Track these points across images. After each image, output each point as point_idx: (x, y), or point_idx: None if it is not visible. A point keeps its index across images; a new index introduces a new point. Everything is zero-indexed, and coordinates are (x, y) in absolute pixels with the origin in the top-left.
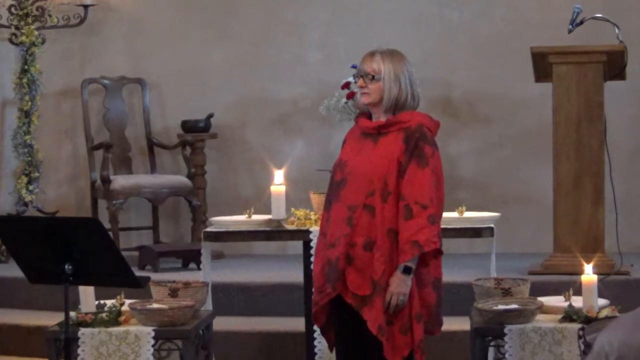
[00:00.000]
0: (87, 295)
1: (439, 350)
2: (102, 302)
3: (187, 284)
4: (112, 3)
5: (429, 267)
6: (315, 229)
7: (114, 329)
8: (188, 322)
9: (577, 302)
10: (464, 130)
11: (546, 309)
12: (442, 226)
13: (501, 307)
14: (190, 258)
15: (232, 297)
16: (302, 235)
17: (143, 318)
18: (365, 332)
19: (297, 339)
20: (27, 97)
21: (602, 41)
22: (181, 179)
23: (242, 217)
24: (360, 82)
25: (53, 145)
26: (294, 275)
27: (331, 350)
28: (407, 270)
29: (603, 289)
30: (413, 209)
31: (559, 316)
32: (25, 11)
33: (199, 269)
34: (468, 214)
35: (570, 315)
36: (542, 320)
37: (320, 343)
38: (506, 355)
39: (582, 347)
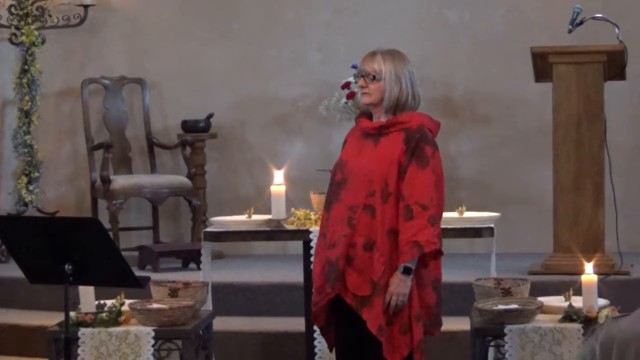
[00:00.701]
0: (87, 295)
1: (439, 350)
2: (102, 302)
3: (187, 284)
4: (112, 3)
5: (429, 268)
6: (315, 229)
7: (114, 329)
8: (188, 322)
9: (577, 302)
10: (464, 130)
11: (546, 309)
12: (443, 226)
13: (501, 307)
14: (190, 258)
15: (232, 297)
16: (302, 235)
17: (143, 318)
18: (365, 332)
19: (297, 339)
20: (27, 97)
21: (602, 41)
22: (181, 179)
23: (242, 217)
24: (361, 82)
25: (53, 145)
26: (294, 275)
27: (331, 350)
28: (407, 271)
29: (603, 289)
30: (413, 209)
31: (559, 316)
32: (25, 11)
33: (199, 269)
34: (468, 214)
35: (570, 315)
36: (542, 320)
37: (320, 343)
38: (506, 355)
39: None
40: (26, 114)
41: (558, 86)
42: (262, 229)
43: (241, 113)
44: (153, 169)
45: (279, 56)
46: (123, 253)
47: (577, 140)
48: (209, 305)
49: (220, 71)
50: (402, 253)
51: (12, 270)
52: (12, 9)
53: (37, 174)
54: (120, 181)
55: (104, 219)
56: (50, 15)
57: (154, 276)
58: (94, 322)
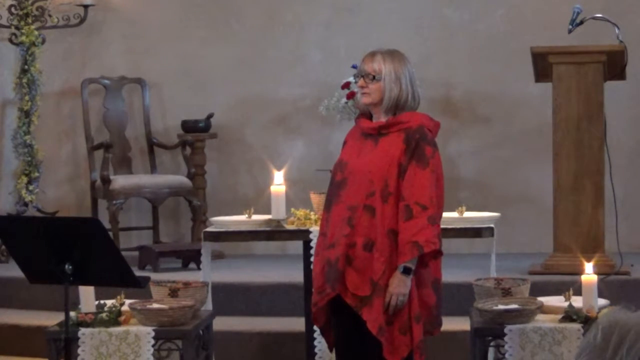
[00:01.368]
0: (87, 295)
1: (439, 350)
2: (102, 302)
3: (187, 284)
4: (112, 3)
5: (429, 268)
6: (315, 229)
7: (114, 329)
8: (188, 322)
9: (577, 302)
10: (464, 130)
11: (546, 309)
12: (442, 226)
13: (501, 307)
14: (190, 258)
15: (232, 297)
16: (302, 235)
17: (143, 318)
18: (365, 332)
19: (297, 339)
20: (27, 97)
21: (602, 41)
22: (181, 179)
23: (242, 217)
24: (361, 82)
25: (53, 145)
26: (294, 275)
27: (331, 350)
28: (406, 271)
29: (603, 289)
30: (413, 209)
31: (559, 316)
32: (25, 11)
33: (199, 269)
34: (468, 214)
35: (570, 315)
36: (542, 320)
37: (320, 343)
38: (506, 355)
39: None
40: (26, 114)
41: (558, 86)
42: (262, 229)
43: (241, 113)
44: (153, 169)
45: (279, 56)
46: (123, 253)
47: (577, 140)
48: (209, 305)
49: (220, 71)
50: (401, 253)
51: (12, 270)
52: (12, 9)
53: (37, 174)
54: (120, 181)
55: (104, 219)
56: (50, 15)
57: (154, 276)
58: (94, 322)
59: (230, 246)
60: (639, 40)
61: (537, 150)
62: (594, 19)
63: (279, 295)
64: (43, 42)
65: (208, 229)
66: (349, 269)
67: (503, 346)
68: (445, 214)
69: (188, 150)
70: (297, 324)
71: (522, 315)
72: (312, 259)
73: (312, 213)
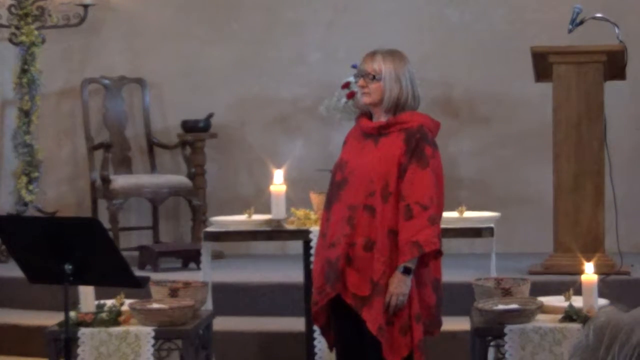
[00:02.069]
0: (87, 295)
1: (439, 350)
2: (102, 302)
3: (187, 284)
4: (112, 3)
5: (429, 268)
6: (315, 229)
7: (114, 329)
8: (188, 322)
9: (577, 302)
10: (464, 130)
11: (546, 309)
12: (442, 226)
13: (501, 307)
14: (190, 258)
15: (232, 297)
16: (302, 235)
17: (143, 318)
18: (365, 332)
19: (297, 339)
20: (27, 97)
21: (602, 41)
22: (181, 179)
23: (242, 217)
24: (361, 82)
25: (53, 145)
26: (294, 275)
27: (331, 350)
28: (406, 271)
29: (603, 289)
30: (413, 209)
31: (559, 316)
32: (25, 11)
33: (199, 269)
34: (468, 214)
35: (570, 315)
36: (542, 320)
37: (320, 343)
38: (506, 355)
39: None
40: (26, 114)
41: (558, 86)
42: (262, 229)
43: (241, 113)
44: (153, 169)
45: (279, 56)
46: (123, 253)
47: (577, 140)
48: (209, 305)
49: (220, 71)
50: (402, 253)
51: (12, 270)
52: (12, 9)
53: (37, 174)
54: (120, 181)
55: (104, 219)
56: (50, 15)
57: (154, 276)
58: (94, 322)
59: (230, 246)
60: (639, 40)
61: (537, 150)
62: (594, 19)
63: (279, 295)
64: (43, 42)
65: (208, 229)
66: (349, 269)
67: (503, 346)
68: (445, 214)
69: (188, 150)
70: (297, 324)
71: (522, 315)
72: (312, 259)
73: (312, 213)
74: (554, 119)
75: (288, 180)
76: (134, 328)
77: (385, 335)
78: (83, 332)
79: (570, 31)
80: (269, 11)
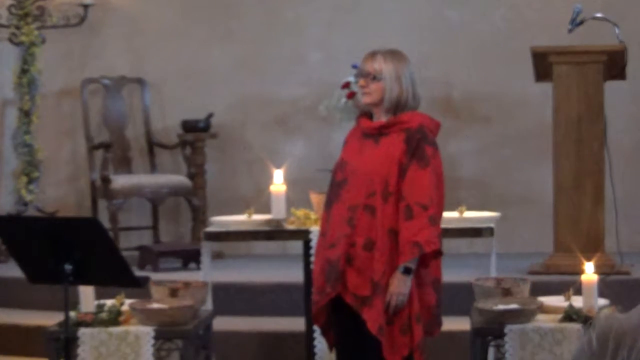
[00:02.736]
0: (87, 295)
1: (439, 350)
2: (102, 302)
3: (187, 284)
4: (112, 3)
5: (429, 268)
6: (315, 229)
7: (114, 329)
8: (188, 322)
9: (577, 302)
10: (464, 130)
11: (546, 309)
12: (443, 226)
13: (501, 307)
14: (190, 258)
15: (232, 297)
16: (302, 235)
17: (143, 318)
18: (365, 332)
19: (297, 339)
20: (27, 97)
21: (602, 41)
22: (181, 179)
23: (242, 217)
24: (362, 82)
25: (53, 145)
26: (294, 275)
27: (331, 350)
28: (407, 271)
29: (603, 289)
30: (413, 209)
31: (559, 316)
32: (25, 11)
33: (199, 269)
34: (468, 214)
35: (570, 315)
36: (542, 320)
37: (321, 343)
38: (506, 355)
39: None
40: (26, 114)
41: (558, 86)
42: (262, 229)
43: (241, 113)
44: (153, 168)
45: (279, 56)
46: (123, 253)
47: (577, 140)
48: (209, 305)
49: (220, 71)
50: (402, 253)
51: (12, 270)
52: (12, 9)
53: (37, 174)
54: (120, 181)
55: (104, 219)
56: (50, 15)
57: (154, 276)
58: (94, 322)
59: (230, 246)
60: (639, 40)
61: (537, 150)
62: (594, 18)
63: (279, 295)
64: (43, 42)
65: (208, 229)
66: (349, 269)
67: (503, 346)
68: (445, 214)
69: (188, 150)
70: (297, 324)
71: (522, 315)
72: (312, 259)
73: (312, 213)
74: (554, 119)
75: (288, 180)
76: (134, 328)
77: (386, 335)
78: (83, 332)
79: (570, 31)
80: (268, 11)
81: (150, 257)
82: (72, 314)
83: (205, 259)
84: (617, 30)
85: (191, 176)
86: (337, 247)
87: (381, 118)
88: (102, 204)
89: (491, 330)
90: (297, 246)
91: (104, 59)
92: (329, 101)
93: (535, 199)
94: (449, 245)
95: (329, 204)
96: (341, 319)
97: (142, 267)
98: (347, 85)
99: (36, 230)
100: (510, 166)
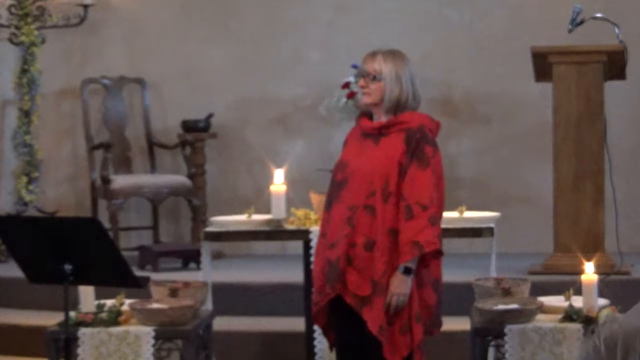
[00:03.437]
0: (87, 295)
1: (439, 350)
2: (102, 302)
3: (187, 284)
4: (112, 3)
5: (429, 268)
6: (315, 229)
7: (114, 329)
8: (188, 322)
9: (578, 302)
10: (464, 130)
11: (546, 309)
12: (443, 226)
13: (501, 307)
14: (190, 258)
15: (232, 297)
16: (302, 235)
17: (143, 318)
18: (365, 332)
19: (297, 339)
20: (27, 97)
21: (602, 41)
22: (181, 179)
23: (242, 217)
24: (362, 82)
25: (53, 145)
26: (294, 275)
27: (331, 350)
28: (407, 271)
29: (603, 289)
30: (414, 209)
31: (559, 316)
32: (25, 11)
33: (199, 269)
34: (468, 214)
35: (570, 315)
36: (542, 320)
37: (321, 343)
38: (506, 355)
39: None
40: (26, 114)
41: (558, 86)
42: (262, 229)
43: (241, 113)
44: (153, 169)
45: (279, 56)
46: (123, 253)
47: (577, 140)
48: (209, 305)
49: (220, 71)
50: (402, 253)
51: (12, 270)
52: (12, 9)
53: (37, 174)
54: (120, 181)
55: (104, 219)
56: (50, 15)
57: (154, 276)
58: (94, 322)
59: (230, 246)
60: (639, 40)
61: (537, 150)
62: (594, 18)
63: (279, 295)
64: (43, 42)
65: (208, 229)
66: (350, 269)
67: (503, 346)
68: (445, 214)
69: (188, 150)
70: (297, 324)
71: (522, 315)
72: (312, 259)
73: (312, 213)
74: (554, 119)
75: (288, 180)
76: (134, 328)
77: (386, 335)
78: (83, 332)
79: (570, 31)
80: (268, 11)
81: (150, 257)
82: (72, 314)
83: (205, 259)
84: (617, 30)
85: (191, 176)
86: (337, 247)
87: (381, 118)
88: (102, 204)
89: (491, 330)
90: (297, 246)
91: (104, 59)
92: (329, 101)
93: (535, 199)
94: (449, 245)
95: (329, 204)
96: (341, 319)
97: (142, 267)
98: (347, 85)
99: (36, 230)
100: (510, 166)
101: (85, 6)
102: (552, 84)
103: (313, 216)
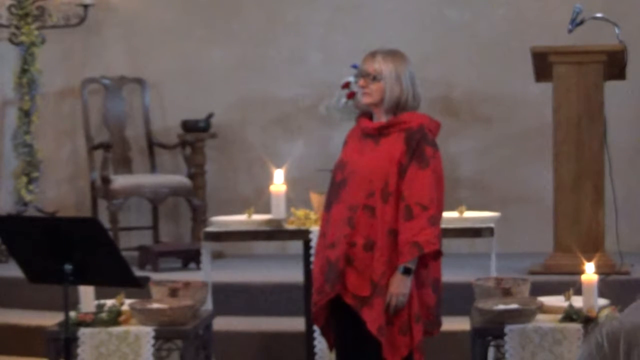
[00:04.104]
0: (87, 295)
1: (439, 350)
2: (102, 302)
3: (187, 284)
4: (112, 3)
5: (429, 268)
6: (315, 229)
7: (114, 329)
8: (188, 322)
9: (578, 302)
10: (464, 130)
11: (546, 309)
12: (442, 226)
13: (501, 307)
14: (190, 258)
15: (232, 297)
16: (302, 235)
17: (143, 318)
18: (365, 332)
19: (297, 339)
20: (27, 97)
21: (602, 41)
22: (181, 179)
23: (242, 217)
24: (362, 82)
25: (53, 145)
26: (294, 275)
27: (331, 350)
28: (406, 271)
29: (603, 289)
30: (413, 209)
31: (559, 316)
32: (25, 11)
33: (199, 269)
34: (468, 214)
35: (570, 315)
36: (542, 320)
37: (321, 343)
38: (506, 355)
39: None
40: (26, 114)
41: (558, 86)
42: (262, 229)
43: (241, 113)
44: (153, 169)
45: (279, 56)
46: (123, 253)
47: (577, 140)
48: (209, 305)
49: (220, 71)
50: (402, 253)
51: (12, 270)
52: (12, 9)
53: (37, 174)
54: (120, 181)
55: (104, 219)
56: (50, 15)
57: (154, 276)
58: (94, 322)
59: (230, 246)
60: (639, 40)
61: (537, 150)
62: (594, 18)
63: (279, 295)
64: (43, 42)
65: (208, 229)
66: (349, 269)
67: (503, 346)
68: (445, 214)
69: (188, 150)
70: (297, 324)
71: (522, 315)
72: (312, 259)
73: (312, 213)
74: (554, 119)
75: (288, 180)
76: (134, 328)
77: (385, 335)
78: (83, 332)
79: (570, 31)
80: (269, 11)
81: (150, 257)
82: (72, 314)
83: (205, 259)
84: (617, 30)
85: (191, 176)
86: (337, 248)
87: (381, 118)
88: (102, 204)
89: (491, 330)
90: (297, 246)
91: (104, 59)
92: (329, 101)
93: (535, 199)
94: (449, 245)
95: (328, 204)
96: (341, 319)
97: (142, 267)
98: (347, 85)
99: (36, 230)
100: (510, 166)
101: (85, 6)
102: (552, 84)
103: (313, 216)
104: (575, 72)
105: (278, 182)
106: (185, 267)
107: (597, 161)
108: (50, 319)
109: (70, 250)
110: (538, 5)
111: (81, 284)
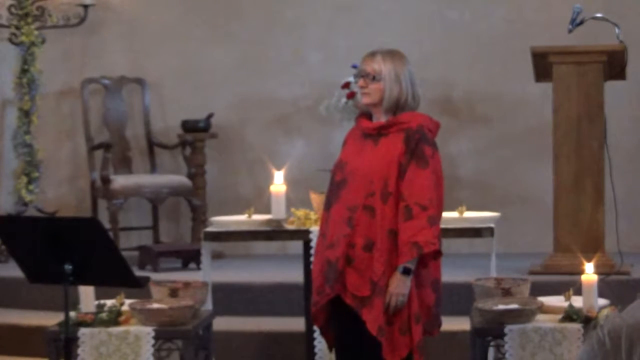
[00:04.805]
0: (87, 295)
1: (439, 350)
2: (102, 302)
3: (187, 284)
4: (112, 3)
5: (428, 268)
6: (315, 229)
7: (114, 329)
8: (188, 322)
9: (578, 302)
10: (464, 130)
11: (546, 309)
12: (442, 226)
13: (501, 307)
14: (190, 258)
15: (232, 297)
16: (302, 235)
17: (143, 318)
18: (365, 332)
19: (297, 339)
20: (27, 97)
21: (602, 41)
22: (181, 179)
23: (242, 217)
24: (361, 82)
25: (53, 145)
26: (294, 275)
27: (331, 350)
28: (406, 271)
29: (603, 289)
30: (413, 210)
31: (559, 316)
32: (25, 11)
33: (199, 269)
34: (468, 214)
35: (570, 315)
36: (542, 320)
37: (320, 343)
38: (506, 355)
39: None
40: (26, 114)
41: (558, 86)
42: (262, 229)
43: (241, 113)
44: (153, 168)
45: (279, 56)
46: (123, 253)
47: (577, 140)
48: (209, 305)
49: (220, 71)
50: (401, 254)
51: (12, 270)
52: (12, 9)
53: (37, 174)
54: (120, 181)
55: (104, 219)
56: (50, 15)
57: (154, 276)
58: (94, 322)
59: (230, 246)
60: (639, 40)
61: (537, 150)
62: (594, 19)
63: (279, 295)
64: (43, 42)
65: (208, 229)
66: (349, 269)
67: (503, 346)
68: (445, 214)
69: (188, 150)
70: (297, 324)
71: (522, 315)
72: (312, 259)
73: (312, 213)
74: (554, 119)
75: (288, 180)
76: (134, 328)
77: (385, 335)
78: (83, 332)
79: (570, 31)
80: (268, 11)
81: (150, 257)
82: (72, 314)
83: (205, 259)
84: (617, 30)
85: (191, 176)
86: (337, 248)
87: (381, 118)
88: (102, 204)
89: (491, 330)
90: (297, 246)
91: (104, 59)
92: (329, 101)
93: (535, 199)
94: (449, 245)
95: (328, 205)
96: (341, 319)
97: (142, 267)
98: (347, 85)
99: (36, 230)
100: (510, 166)
101: (85, 6)
102: (552, 84)
103: (313, 216)
104: (575, 72)
105: (278, 182)
106: (185, 267)
107: (597, 161)
108: (50, 319)
109: (70, 250)
110: (538, 5)
111: (81, 284)
